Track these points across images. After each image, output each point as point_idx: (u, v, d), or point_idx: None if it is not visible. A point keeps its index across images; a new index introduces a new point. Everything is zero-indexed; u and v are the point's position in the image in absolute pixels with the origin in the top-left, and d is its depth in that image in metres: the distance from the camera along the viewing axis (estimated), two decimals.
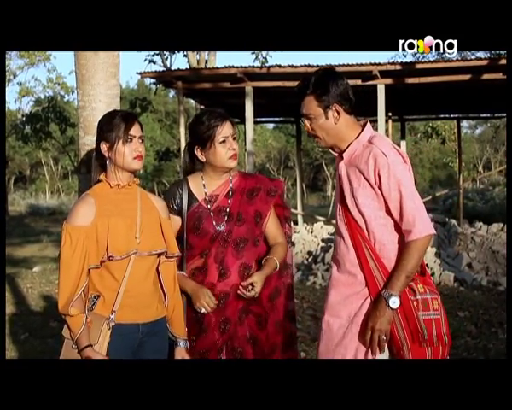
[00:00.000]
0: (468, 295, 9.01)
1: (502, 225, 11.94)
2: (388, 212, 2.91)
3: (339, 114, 2.95)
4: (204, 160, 3.21)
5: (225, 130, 3.17)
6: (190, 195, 3.23)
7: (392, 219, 2.92)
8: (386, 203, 2.90)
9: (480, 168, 39.68)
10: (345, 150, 2.99)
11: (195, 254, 3.20)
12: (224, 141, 3.16)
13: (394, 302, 2.81)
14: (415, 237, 2.83)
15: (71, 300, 2.77)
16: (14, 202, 35.41)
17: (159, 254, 3.01)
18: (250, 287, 3.09)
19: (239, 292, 3.11)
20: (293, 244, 3.39)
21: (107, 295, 2.88)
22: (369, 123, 3.04)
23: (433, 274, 9.99)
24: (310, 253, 11.85)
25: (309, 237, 12.54)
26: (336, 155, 3.06)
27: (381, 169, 2.86)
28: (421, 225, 2.83)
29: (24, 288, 10.27)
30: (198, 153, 3.22)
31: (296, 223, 15.60)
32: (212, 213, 3.20)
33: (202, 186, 3.25)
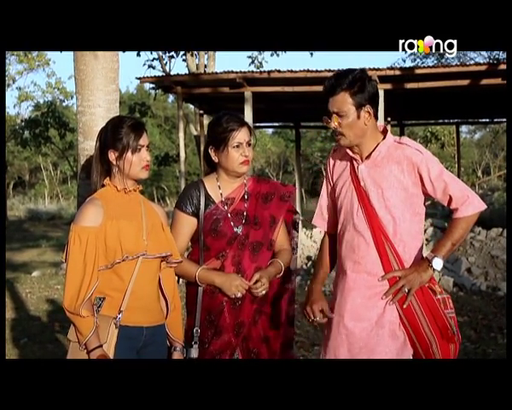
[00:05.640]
0: (468, 300, 8.99)
1: (501, 230, 11.93)
2: (413, 215, 2.97)
3: (370, 115, 2.96)
4: (217, 161, 3.23)
5: (241, 135, 3.18)
6: (207, 196, 3.24)
7: (415, 223, 2.99)
8: (411, 205, 2.96)
9: (479, 173, 39.71)
10: (370, 153, 3.00)
11: (211, 255, 3.20)
12: (237, 146, 3.18)
13: (438, 263, 2.91)
14: (467, 214, 2.94)
15: (82, 301, 2.77)
16: (14, 207, 35.37)
17: (163, 259, 3.02)
18: (259, 284, 3.09)
19: (254, 292, 3.10)
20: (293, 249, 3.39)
21: (113, 297, 2.89)
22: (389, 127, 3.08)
23: None
24: (309, 258, 11.84)
25: (308, 241, 12.54)
26: (351, 154, 3.04)
27: (420, 165, 2.93)
28: (477, 202, 2.95)
29: (23, 293, 10.26)
30: (212, 153, 3.24)
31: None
32: (229, 215, 3.21)
33: (218, 188, 3.26)
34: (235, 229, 3.19)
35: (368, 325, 2.92)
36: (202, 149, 3.45)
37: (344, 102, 2.92)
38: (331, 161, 3.21)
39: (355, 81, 2.92)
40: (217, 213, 3.21)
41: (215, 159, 3.24)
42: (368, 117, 2.94)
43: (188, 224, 3.23)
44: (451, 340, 2.91)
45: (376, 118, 3.02)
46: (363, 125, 2.95)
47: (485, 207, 3.00)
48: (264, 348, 3.20)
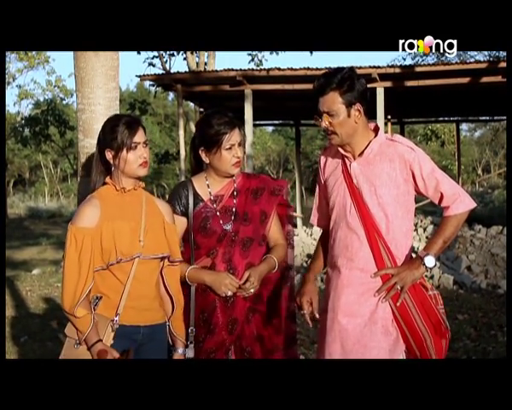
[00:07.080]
0: (468, 298, 8.99)
1: (501, 227, 11.95)
2: (405, 213, 3.00)
3: (360, 113, 2.97)
4: (207, 162, 3.22)
5: (234, 137, 3.17)
6: (195, 195, 3.23)
7: (407, 220, 3.01)
8: (403, 202, 2.98)
9: (480, 171, 39.72)
10: (363, 151, 3.02)
11: (202, 253, 3.20)
12: (230, 148, 3.16)
13: (430, 261, 2.92)
14: (457, 212, 2.98)
15: (77, 300, 2.79)
16: (14, 205, 35.36)
17: (162, 258, 3.02)
18: (248, 283, 3.09)
19: (238, 294, 3.10)
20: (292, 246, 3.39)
21: (110, 296, 2.90)
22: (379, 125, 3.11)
23: (432, 277, 10.00)
24: (309, 256, 11.85)
25: (308, 239, 12.55)
26: (343, 152, 3.06)
27: (413, 163, 2.97)
28: (467, 200, 3.00)
29: (23, 291, 10.26)
30: (202, 154, 3.21)
31: (295, 226, 15.60)
32: (218, 213, 3.21)
33: (207, 186, 3.26)
34: (225, 226, 3.18)
35: (361, 322, 2.95)
36: (190, 147, 3.41)
37: (334, 101, 2.94)
38: (322, 159, 3.24)
39: (344, 80, 2.93)
40: (205, 211, 3.21)
41: (206, 160, 3.22)
42: (358, 115, 2.96)
43: (178, 224, 3.19)
44: (444, 335, 2.96)
45: (367, 115, 3.02)
46: (354, 124, 2.97)
47: (476, 205, 3.04)
48: (257, 347, 3.20)
